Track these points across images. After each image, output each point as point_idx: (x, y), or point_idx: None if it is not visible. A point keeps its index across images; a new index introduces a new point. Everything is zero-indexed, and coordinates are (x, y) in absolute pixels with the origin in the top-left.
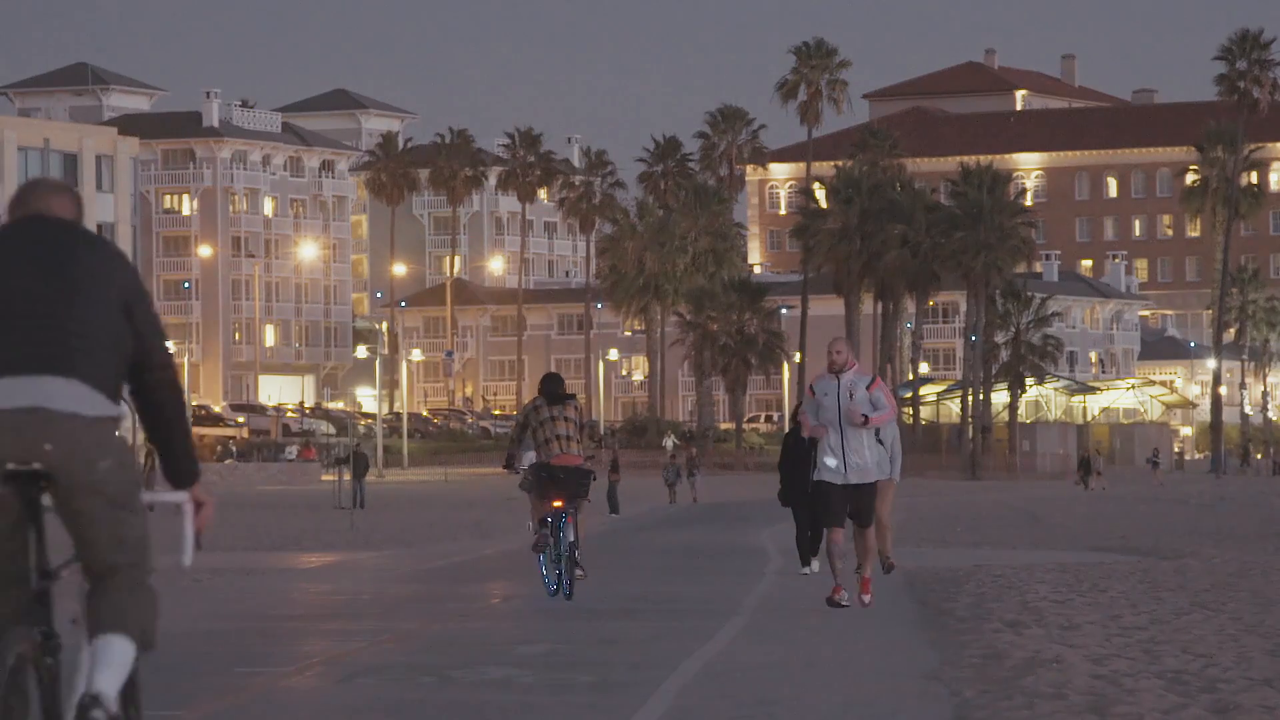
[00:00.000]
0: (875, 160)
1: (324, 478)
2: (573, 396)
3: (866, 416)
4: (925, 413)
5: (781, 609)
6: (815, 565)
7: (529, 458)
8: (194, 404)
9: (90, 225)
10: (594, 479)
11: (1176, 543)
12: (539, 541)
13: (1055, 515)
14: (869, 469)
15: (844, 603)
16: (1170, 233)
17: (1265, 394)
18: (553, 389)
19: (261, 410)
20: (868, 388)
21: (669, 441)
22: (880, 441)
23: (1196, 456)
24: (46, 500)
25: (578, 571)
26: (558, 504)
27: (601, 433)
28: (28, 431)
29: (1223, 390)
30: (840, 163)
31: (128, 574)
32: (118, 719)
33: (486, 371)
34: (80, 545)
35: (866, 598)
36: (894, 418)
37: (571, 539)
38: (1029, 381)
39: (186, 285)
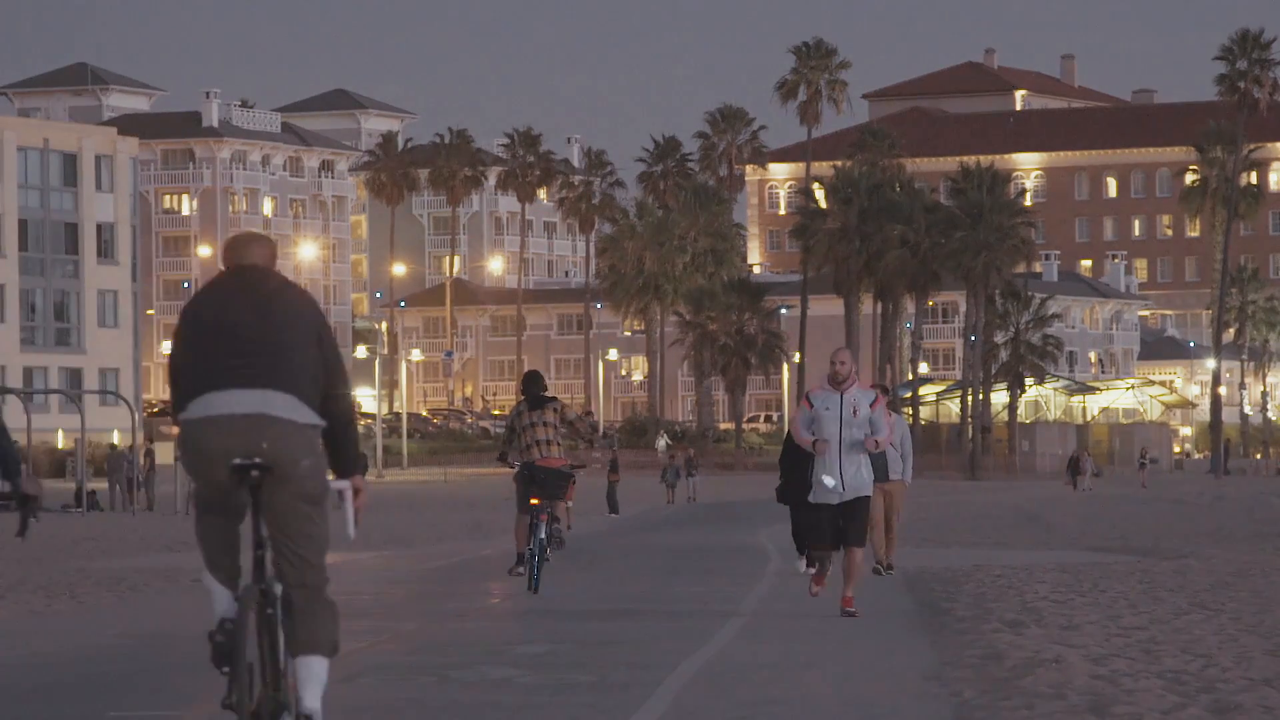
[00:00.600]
0: (875, 160)
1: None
2: (554, 399)
3: (876, 440)
4: (925, 413)
5: (781, 609)
6: (807, 569)
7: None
8: None
9: (90, 225)
10: (573, 481)
11: (1176, 543)
12: (513, 570)
13: (1055, 515)
14: (865, 484)
15: (814, 592)
16: (1170, 233)
17: (1265, 394)
18: (533, 390)
19: None
20: (870, 405)
21: (662, 442)
22: (890, 443)
23: (1197, 456)
24: None
25: (558, 526)
26: (535, 501)
27: (597, 424)
28: (251, 432)
29: (1222, 390)
30: (840, 163)
31: (312, 592)
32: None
33: (486, 371)
34: (276, 535)
35: (852, 610)
36: (890, 442)
37: (543, 536)
38: (1028, 381)
39: (186, 285)
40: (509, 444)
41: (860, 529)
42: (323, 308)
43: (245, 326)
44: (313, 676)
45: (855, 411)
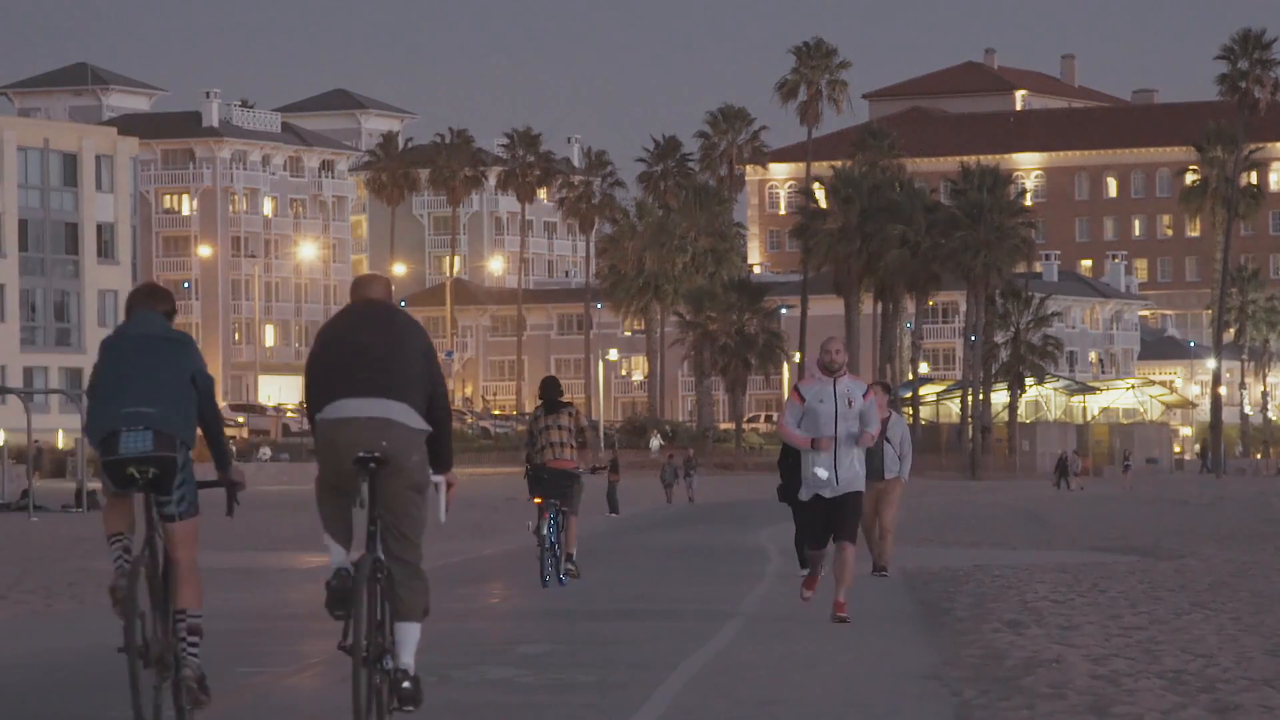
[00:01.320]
0: (875, 160)
1: None
2: (569, 405)
3: (870, 433)
4: (925, 413)
5: (781, 609)
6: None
7: None
8: None
9: (90, 225)
10: (579, 484)
11: (1176, 543)
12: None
13: (1055, 515)
14: (858, 477)
15: (805, 597)
16: (1170, 233)
17: (1265, 394)
18: (550, 396)
19: (261, 410)
20: (864, 396)
21: (655, 442)
22: (887, 439)
23: (1188, 457)
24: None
25: (569, 566)
26: (537, 501)
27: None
28: (374, 432)
29: (1222, 390)
30: (840, 163)
31: (410, 560)
32: (416, 677)
33: (486, 371)
34: (387, 513)
35: (843, 615)
36: (879, 434)
37: (546, 532)
38: (1029, 381)
39: (186, 285)
40: (531, 446)
41: (852, 524)
42: (322, 308)
43: (370, 347)
44: (408, 639)
45: (850, 402)
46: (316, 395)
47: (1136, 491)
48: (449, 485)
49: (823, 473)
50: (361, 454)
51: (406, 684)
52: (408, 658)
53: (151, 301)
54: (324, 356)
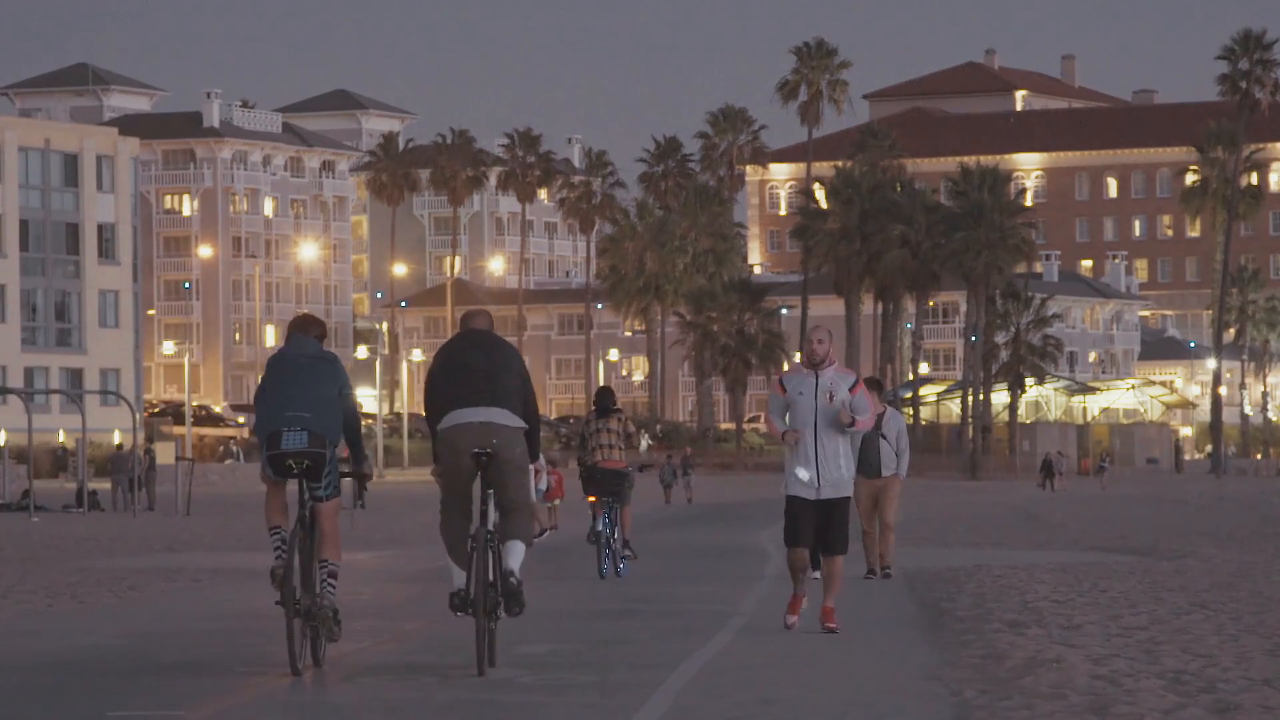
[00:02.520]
0: (875, 160)
1: None
2: (619, 410)
3: (855, 417)
4: (925, 413)
5: (781, 609)
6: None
7: None
8: (194, 404)
9: (91, 225)
10: (628, 480)
11: (1176, 543)
12: (590, 536)
13: (1055, 515)
14: (844, 481)
15: (789, 623)
16: (1170, 233)
17: (1265, 394)
18: (604, 403)
19: None
20: (850, 390)
21: (644, 443)
22: (884, 436)
23: (1196, 456)
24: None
25: (627, 552)
26: (592, 499)
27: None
28: (485, 433)
29: (1223, 390)
30: (840, 163)
31: (521, 510)
32: (520, 580)
33: None
34: (499, 491)
35: (832, 625)
36: (872, 424)
37: (599, 528)
38: (1029, 382)
39: (187, 285)
40: (582, 449)
41: (840, 534)
42: (323, 308)
43: (477, 367)
44: (515, 552)
45: (831, 396)
46: (437, 409)
47: (1110, 492)
48: (537, 473)
49: (803, 472)
50: (476, 450)
51: (513, 579)
52: (514, 564)
53: (306, 328)
54: (440, 377)
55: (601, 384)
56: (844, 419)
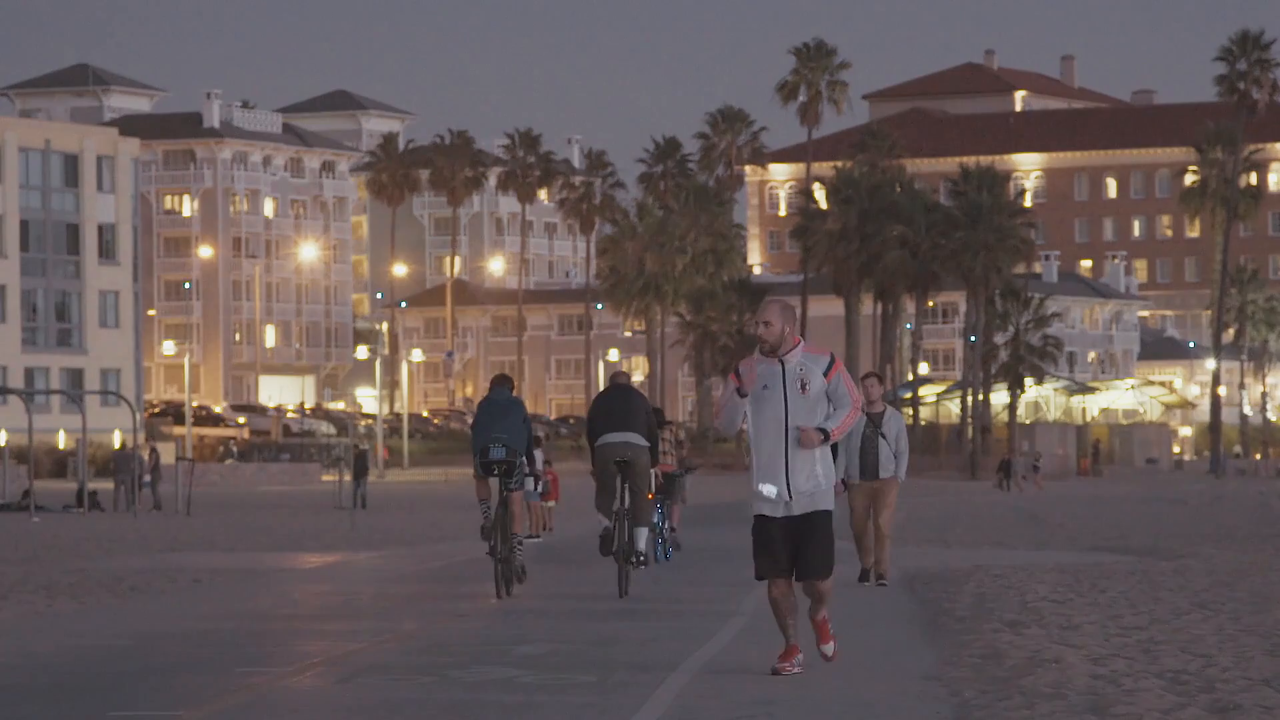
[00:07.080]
0: (875, 161)
1: (324, 478)
2: (670, 421)
3: (826, 434)
4: (925, 413)
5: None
6: None
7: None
8: (194, 405)
9: (91, 226)
10: (680, 480)
11: (1176, 543)
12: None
13: (1055, 515)
14: (821, 492)
15: (795, 669)
16: (1169, 233)
17: (1265, 394)
18: (657, 417)
19: (262, 411)
20: (825, 374)
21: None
22: (883, 435)
23: (1195, 457)
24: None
25: (675, 538)
26: (649, 496)
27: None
28: (625, 448)
29: (1222, 391)
30: (840, 163)
31: (645, 504)
32: (644, 553)
33: (487, 372)
34: (633, 487)
35: (829, 647)
36: (858, 417)
37: (662, 525)
38: (1028, 382)
39: (187, 286)
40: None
41: (821, 555)
42: (323, 309)
43: (619, 406)
44: (642, 536)
45: (804, 386)
46: (596, 432)
47: (1046, 493)
48: (653, 476)
49: (768, 487)
50: (618, 459)
51: (640, 554)
52: (641, 546)
53: (503, 383)
54: (599, 411)
55: (653, 406)
56: (808, 443)
